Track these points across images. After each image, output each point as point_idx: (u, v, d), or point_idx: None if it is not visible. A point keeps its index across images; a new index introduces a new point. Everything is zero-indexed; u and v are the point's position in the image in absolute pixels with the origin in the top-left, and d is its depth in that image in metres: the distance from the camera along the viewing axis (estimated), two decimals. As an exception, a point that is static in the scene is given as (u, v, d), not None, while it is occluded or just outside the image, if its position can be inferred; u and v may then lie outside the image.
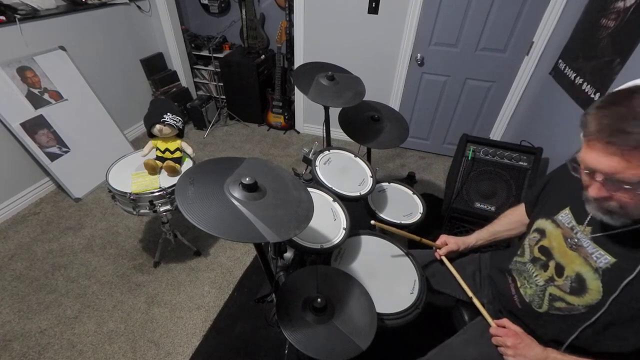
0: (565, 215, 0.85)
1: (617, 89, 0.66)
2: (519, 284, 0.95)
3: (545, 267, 0.88)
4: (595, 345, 0.77)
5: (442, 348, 1.02)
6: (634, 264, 0.70)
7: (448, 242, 1.19)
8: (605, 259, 0.74)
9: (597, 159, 0.63)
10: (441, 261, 1.17)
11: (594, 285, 0.75)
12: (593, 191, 0.67)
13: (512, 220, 1.15)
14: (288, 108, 3.37)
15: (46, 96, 2.27)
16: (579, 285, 0.78)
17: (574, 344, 0.80)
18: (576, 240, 0.81)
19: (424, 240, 1.17)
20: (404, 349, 1.14)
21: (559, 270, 0.84)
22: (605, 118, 0.62)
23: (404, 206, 1.50)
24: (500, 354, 0.90)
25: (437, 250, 1.20)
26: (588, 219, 0.79)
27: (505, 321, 0.93)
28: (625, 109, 0.60)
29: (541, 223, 0.92)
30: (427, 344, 1.04)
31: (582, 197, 0.74)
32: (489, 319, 0.94)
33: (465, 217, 2.06)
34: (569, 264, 0.82)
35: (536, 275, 0.90)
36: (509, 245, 1.12)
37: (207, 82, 3.66)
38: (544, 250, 0.89)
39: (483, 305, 1.11)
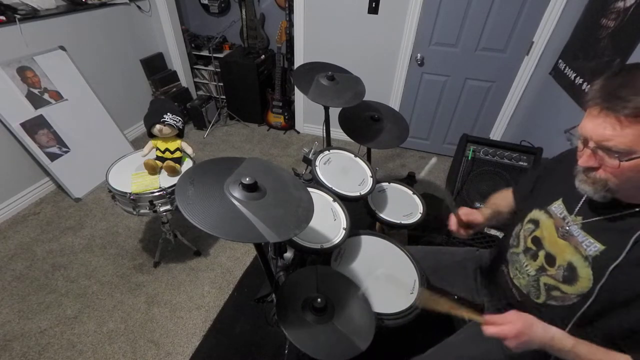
0: (557, 206, 0.87)
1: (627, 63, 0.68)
2: (511, 275, 0.96)
3: (534, 256, 0.89)
4: (593, 332, 0.77)
5: (441, 346, 1.02)
6: (621, 250, 0.70)
7: (470, 215, 1.07)
8: (594, 246, 0.75)
9: (592, 124, 0.65)
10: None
11: (584, 273, 0.76)
12: (582, 160, 0.69)
13: (508, 202, 1.13)
14: (288, 108, 3.37)
15: (46, 96, 2.27)
16: (570, 274, 0.79)
17: (573, 332, 0.80)
18: (567, 229, 0.82)
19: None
20: (404, 349, 1.14)
21: (550, 259, 0.85)
22: (607, 86, 0.64)
23: (404, 206, 1.50)
24: (501, 350, 0.90)
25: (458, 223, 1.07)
26: (578, 208, 0.81)
27: (492, 317, 0.83)
28: (627, 79, 0.62)
29: (535, 214, 0.92)
30: (427, 344, 1.04)
31: (574, 186, 0.75)
32: (479, 318, 0.83)
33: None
34: (560, 253, 0.83)
35: (527, 265, 0.91)
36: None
37: (207, 82, 3.66)
38: (536, 241, 0.90)
39: (483, 306, 1.11)
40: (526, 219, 0.95)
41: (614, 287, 0.72)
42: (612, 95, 0.62)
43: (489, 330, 0.78)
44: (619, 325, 0.73)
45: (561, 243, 0.83)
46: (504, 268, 1.00)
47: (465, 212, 1.09)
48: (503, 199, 1.13)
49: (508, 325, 0.76)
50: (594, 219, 0.78)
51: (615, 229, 0.74)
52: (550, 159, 1.02)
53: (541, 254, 0.87)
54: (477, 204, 2.02)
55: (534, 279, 0.88)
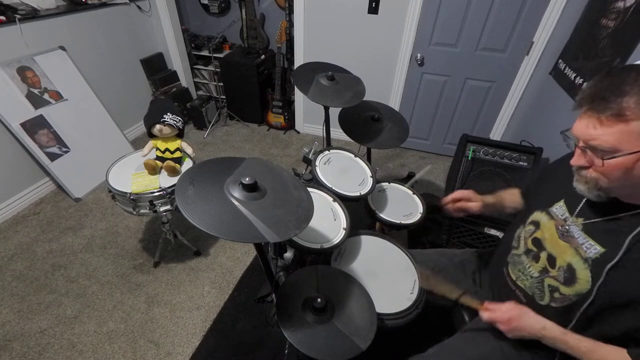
0: (559, 208, 0.87)
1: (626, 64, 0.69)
2: (513, 277, 0.97)
3: (536, 258, 0.89)
4: (594, 333, 0.78)
5: (441, 346, 1.02)
6: (617, 251, 0.71)
7: (472, 198, 1.11)
8: (595, 249, 0.76)
9: (579, 124, 0.68)
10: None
11: (583, 274, 0.77)
12: (573, 159, 0.73)
13: (514, 199, 1.14)
14: (288, 108, 3.37)
15: (46, 96, 2.27)
16: (570, 275, 0.80)
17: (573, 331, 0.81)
18: (567, 228, 0.83)
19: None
20: (404, 349, 1.14)
21: (551, 261, 0.85)
22: (593, 87, 0.67)
23: (404, 206, 1.50)
24: (500, 353, 0.91)
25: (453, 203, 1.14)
26: (578, 209, 0.82)
27: (490, 303, 0.91)
28: (615, 81, 0.63)
29: (537, 215, 0.93)
30: (427, 344, 1.04)
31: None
32: (477, 305, 0.93)
33: (465, 218, 2.05)
34: (561, 254, 0.83)
35: (529, 267, 0.91)
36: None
37: (207, 82, 3.66)
38: (537, 242, 0.91)
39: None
40: (528, 221, 0.95)
41: (612, 287, 0.72)
42: (597, 97, 0.64)
43: (485, 315, 0.88)
44: (619, 326, 0.73)
45: (562, 244, 0.83)
46: (505, 270, 1.00)
47: (462, 195, 1.13)
48: (510, 195, 1.15)
49: (502, 311, 0.86)
50: (594, 220, 0.78)
51: (614, 230, 0.74)
52: (552, 161, 1.03)
53: (543, 255, 0.88)
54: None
55: (538, 280, 0.88)
